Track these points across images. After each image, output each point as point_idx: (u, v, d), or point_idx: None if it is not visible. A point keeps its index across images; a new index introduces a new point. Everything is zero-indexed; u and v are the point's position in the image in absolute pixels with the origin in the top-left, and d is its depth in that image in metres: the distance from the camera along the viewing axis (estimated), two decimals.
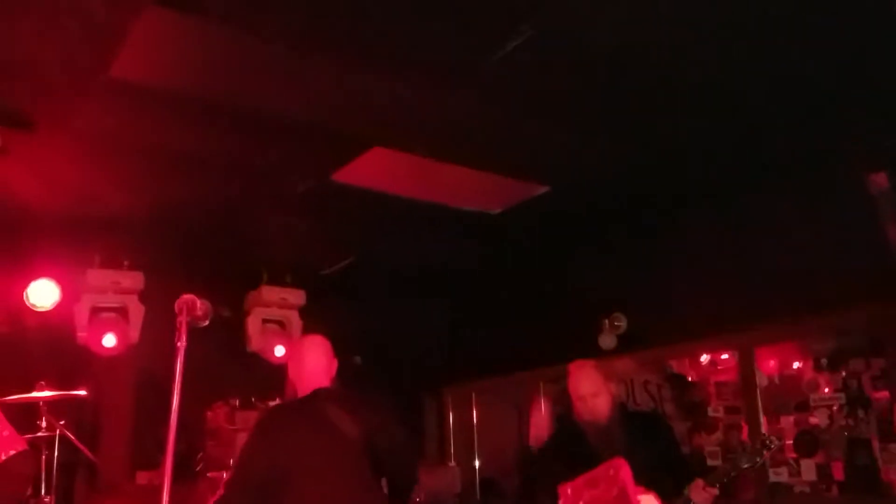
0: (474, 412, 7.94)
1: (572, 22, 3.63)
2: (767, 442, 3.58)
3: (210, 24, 3.54)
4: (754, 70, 4.07)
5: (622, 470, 1.30)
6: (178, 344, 2.91)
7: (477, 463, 7.86)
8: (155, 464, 5.86)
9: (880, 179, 4.53)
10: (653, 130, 4.77)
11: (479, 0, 3.47)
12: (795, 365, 6.07)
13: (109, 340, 6.39)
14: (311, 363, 3.78)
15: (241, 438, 5.79)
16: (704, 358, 6.66)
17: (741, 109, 4.49)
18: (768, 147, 4.87)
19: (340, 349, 4.21)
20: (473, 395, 7.96)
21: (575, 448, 3.75)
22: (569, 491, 1.47)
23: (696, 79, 4.16)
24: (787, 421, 5.90)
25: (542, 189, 5.60)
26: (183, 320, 2.96)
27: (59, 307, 6.28)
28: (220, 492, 4.33)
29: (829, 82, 4.17)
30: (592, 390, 3.83)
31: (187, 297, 3.04)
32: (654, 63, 3.99)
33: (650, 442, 3.71)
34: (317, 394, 3.69)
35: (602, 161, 5.17)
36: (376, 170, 5.21)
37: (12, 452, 3.46)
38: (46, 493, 5.10)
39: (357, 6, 3.49)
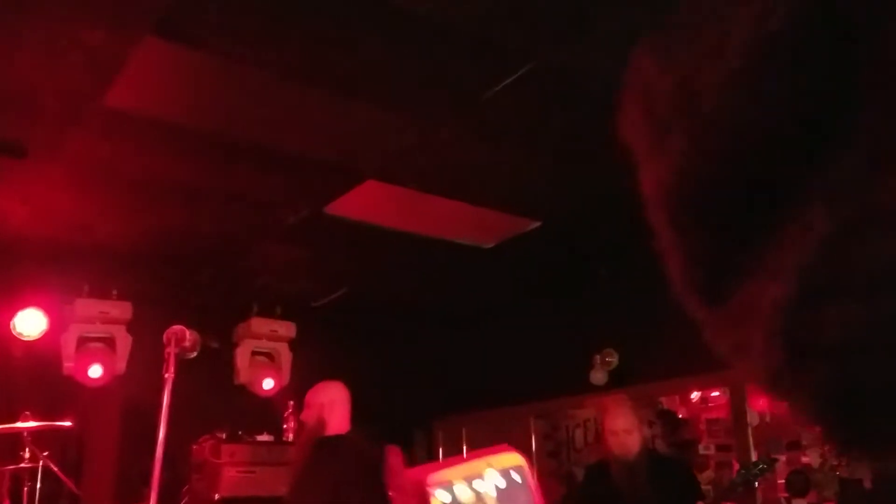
0: (464, 447, 7.87)
1: (565, 61, 3.67)
2: (769, 460, 3.65)
3: (206, 55, 3.56)
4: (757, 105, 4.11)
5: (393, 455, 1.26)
6: (166, 375, 2.89)
7: None
8: (140, 497, 5.76)
9: None
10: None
11: (474, 37, 3.50)
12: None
13: (96, 371, 6.33)
14: (346, 406, 4.05)
15: (227, 472, 5.72)
16: (695, 395, 6.63)
17: (731, 146, 4.52)
18: (762, 182, 4.90)
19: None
20: (464, 429, 7.90)
21: (600, 483, 4.00)
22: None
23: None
24: (779, 460, 5.85)
25: (535, 224, 5.61)
26: (171, 352, 2.95)
27: (45, 336, 6.23)
28: None
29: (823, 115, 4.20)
30: (626, 427, 4.01)
31: (176, 328, 3.02)
32: None
33: (672, 486, 3.84)
34: (354, 432, 4.01)
35: (594, 197, 5.19)
36: (369, 202, 5.21)
37: None
38: None
39: (352, 41, 3.51)
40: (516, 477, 1.46)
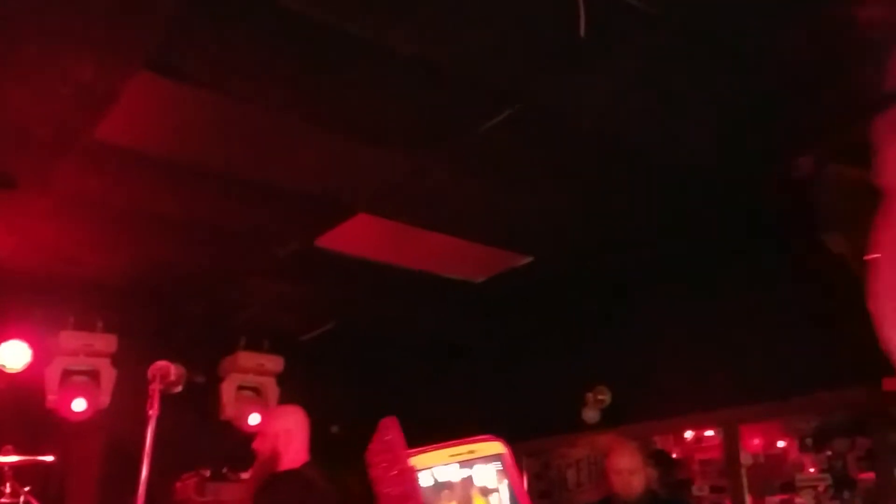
0: None
1: (555, 100, 3.68)
2: None
3: (197, 89, 3.54)
4: (742, 150, 4.12)
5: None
6: (150, 412, 2.82)
7: None
8: None
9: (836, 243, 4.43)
10: (635, 206, 4.79)
11: (464, 75, 3.50)
12: (780, 444, 5.98)
13: (80, 405, 6.23)
14: (303, 435, 3.73)
15: None
16: (689, 434, 6.57)
17: (723, 190, 4.53)
18: (751, 226, 4.90)
19: (317, 418, 4.11)
20: None
21: None
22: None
23: (676, 158, 4.20)
24: (773, 501, 5.77)
25: (526, 259, 5.59)
26: (155, 388, 2.88)
27: (29, 369, 6.13)
28: None
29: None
30: (631, 467, 4.19)
31: (161, 363, 2.96)
32: (635, 142, 4.05)
33: None
34: (310, 466, 3.68)
35: (586, 234, 5.18)
36: (359, 236, 5.18)
37: None
38: None
39: (343, 78, 3.51)
40: (497, 465, 1.48)
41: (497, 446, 1.51)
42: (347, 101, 3.70)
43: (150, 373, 2.94)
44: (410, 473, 1.36)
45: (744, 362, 5.26)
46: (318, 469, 3.79)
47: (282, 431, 3.73)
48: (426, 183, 4.50)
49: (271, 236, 5.20)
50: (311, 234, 5.14)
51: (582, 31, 2.93)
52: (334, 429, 7.30)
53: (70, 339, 6.26)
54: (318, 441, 4.01)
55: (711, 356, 5.45)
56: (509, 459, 1.49)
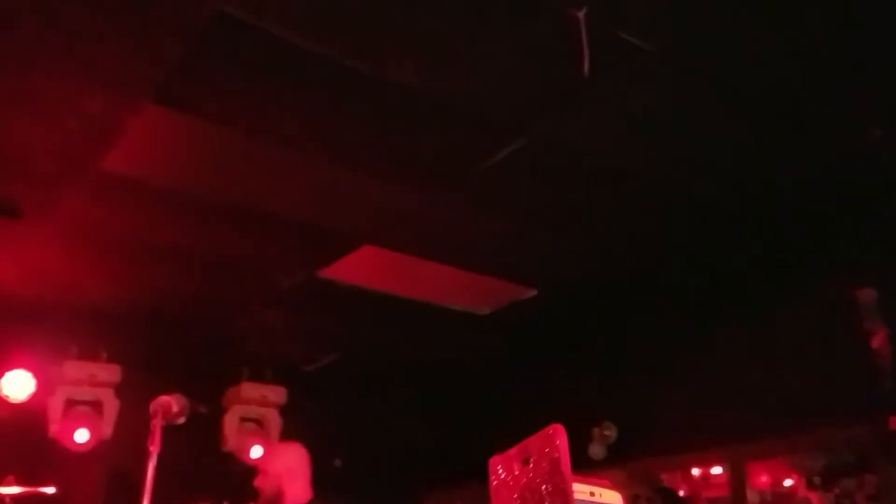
0: None
1: (561, 135, 3.70)
2: None
3: (203, 122, 3.57)
4: (743, 184, 4.13)
5: (558, 437, 1.16)
6: (151, 448, 2.79)
7: None
8: None
9: (866, 295, 4.52)
10: (640, 240, 4.79)
11: (470, 110, 3.53)
12: (788, 482, 5.91)
13: (82, 435, 6.20)
14: (306, 473, 3.71)
15: None
16: (696, 472, 6.49)
17: (731, 225, 4.53)
18: (757, 263, 4.89)
19: (321, 451, 4.08)
20: (457, 502, 7.70)
21: None
22: (499, 468, 1.31)
23: (684, 191, 4.21)
24: None
25: (531, 292, 5.58)
26: (157, 424, 2.85)
27: (32, 398, 6.11)
28: None
29: (815, 198, 4.23)
30: None
31: (163, 399, 2.94)
32: (642, 176, 4.06)
33: None
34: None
35: (591, 267, 5.17)
36: (364, 266, 5.18)
37: None
38: None
39: (349, 111, 3.53)
40: None
41: (616, 496, 1.48)
42: (353, 135, 3.72)
43: (151, 408, 2.92)
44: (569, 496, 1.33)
45: (750, 399, 5.22)
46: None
47: (285, 470, 3.70)
48: (431, 215, 4.51)
49: (275, 267, 5.21)
50: (314, 266, 5.14)
51: (586, 69, 2.95)
52: (337, 462, 7.24)
53: (73, 369, 6.25)
54: (321, 474, 3.97)
55: (718, 392, 5.41)
56: None
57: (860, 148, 3.75)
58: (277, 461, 3.76)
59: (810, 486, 5.70)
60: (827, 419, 4.80)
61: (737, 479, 5.53)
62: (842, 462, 5.47)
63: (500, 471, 1.49)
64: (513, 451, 1.47)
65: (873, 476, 5.33)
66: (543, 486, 1.34)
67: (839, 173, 3.99)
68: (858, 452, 5.32)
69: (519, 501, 1.40)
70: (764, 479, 5.91)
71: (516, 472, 1.45)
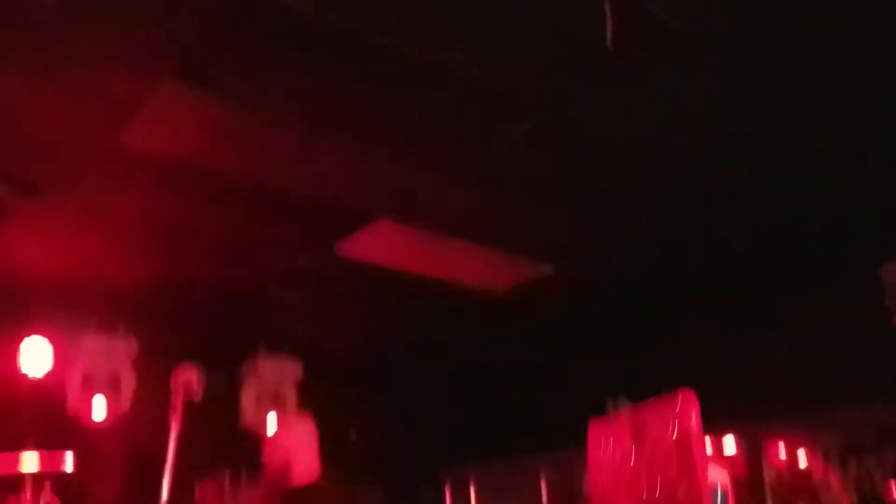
0: (472, 496, 7.71)
1: (582, 113, 3.66)
2: None
3: (221, 99, 3.54)
4: (763, 165, 4.08)
5: (690, 405, 1.05)
6: (173, 422, 2.81)
7: None
8: None
9: (889, 273, 4.48)
10: (661, 219, 4.75)
11: (490, 86, 3.48)
12: (804, 459, 5.90)
13: (100, 409, 6.24)
14: (314, 447, 3.69)
15: None
16: (709, 451, 6.49)
17: (751, 205, 4.48)
18: (779, 244, 4.84)
19: (335, 425, 4.08)
20: (472, 479, 7.74)
21: None
22: (605, 438, 1.20)
23: (703, 171, 4.17)
24: None
25: (547, 270, 5.55)
26: (179, 398, 2.86)
27: (51, 373, 6.15)
28: None
29: (832, 177, 4.18)
30: None
31: (184, 373, 2.95)
32: (662, 155, 4.02)
33: None
34: (325, 479, 3.60)
35: (607, 246, 5.15)
36: (380, 244, 5.16)
37: None
38: None
39: (366, 88, 3.50)
40: (719, 496, 1.36)
41: (723, 474, 1.40)
42: (372, 112, 3.69)
43: (173, 383, 2.93)
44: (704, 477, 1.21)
45: (769, 377, 5.20)
46: (333, 484, 3.76)
47: (292, 445, 3.69)
48: (448, 192, 4.49)
49: (292, 245, 5.20)
50: (331, 243, 5.13)
51: (609, 42, 2.90)
52: (352, 436, 7.28)
53: (92, 344, 6.28)
54: (336, 448, 3.98)
55: (736, 370, 5.39)
56: (731, 489, 1.39)
57: (887, 121, 3.69)
58: (285, 435, 3.74)
59: (827, 463, 5.69)
60: (846, 398, 4.78)
61: (754, 457, 5.52)
62: (861, 440, 5.45)
63: (607, 443, 1.38)
64: (623, 418, 1.36)
65: (892, 454, 5.32)
66: (667, 466, 1.22)
67: (864, 151, 3.94)
68: (878, 431, 5.31)
69: (632, 478, 1.30)
70: (781, 457, 5.90)
71: (629, 446, 1.34)
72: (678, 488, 1.08)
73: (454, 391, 7.70)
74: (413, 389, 7.48)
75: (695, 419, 1.04)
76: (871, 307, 4.55)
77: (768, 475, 5.48)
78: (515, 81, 3.46)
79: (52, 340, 6.14)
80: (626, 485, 1.13)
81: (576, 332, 6.51)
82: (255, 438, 6.80)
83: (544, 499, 7.03)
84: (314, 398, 6.92)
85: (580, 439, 6.46)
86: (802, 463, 5.90)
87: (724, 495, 1.18)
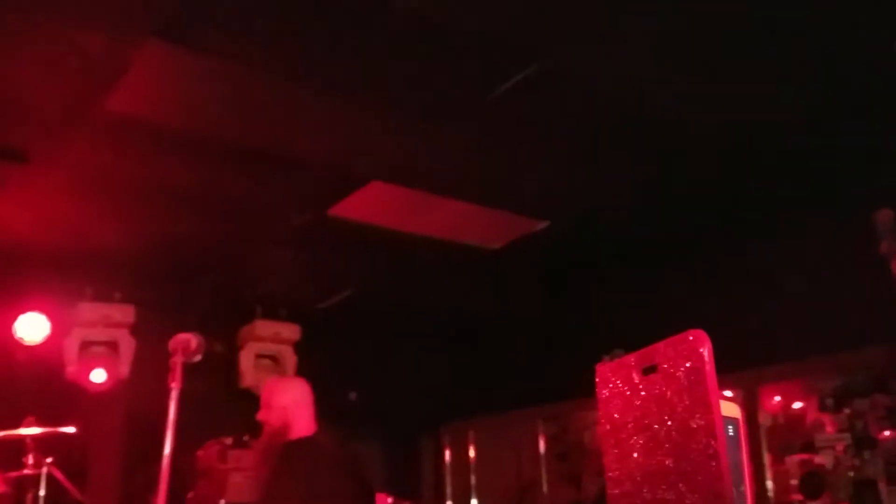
0: (471, 451, 7.80)
1: (572, 61, 3.61)
2: None
3: (208, 59, 3.50)
4: (754, 110, 4.05)
5: (701, 344, 1.03)
6: (173, 385, 2.82)
7: (474, 503, 7.71)
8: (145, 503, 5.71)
9: (884, 216, 4.45)
10: (652, 169, 4.73)
11: (478, 38, 3.44)
12: (799, 404, 5.97)
13: (99, 376, 6.27)
14: (310, 405, 3.72)
15: (234, 478, 5.65)
16: None
17: (741, 151, 4.46)
18: (773, 189, 4.84)
19: (335, 385, 4.12)
20: (471, 433, 7.83)
21: None
22: (613, 378, 1.16)
23: (694, 123, 4.14)
24: (792, 461, 5.78)
25: (542, 224, 5.55)
26: (178, 361, 2.87)
27: (48, 341, 6.16)
28: None
29: (828, 121, 4.15)
30: None
31: (182, 336, 2.95)
32: (652, 104, 3.99)
33: None
34: (322, 433, 3.67)
35: (602, 197, 5.13)
36: (374, 204, 5.15)
37: None
38: None
39: (356, 44, 3.45)
40: (730, 428, 1.31)
41: (735, 409, 1.35)
42: (361, 68, 3.65)
43: (171, 346, 2.93)
44: (717, 405, 1.17)
45: (764, 323, 5.23)
46: (330, 435, 3.80)
47: (291, 404, 3.74)
48: (440, 148, 4.46)
49: (285, 206, 5.18)
50: (325, 203, 5.12)
51: None
52: (352, 395, 7.34)
53: (88, 310, 6.28)
54: (336, 408, 4.01)
55: (731, 317, 5.42)
56: (741, 425, 1.34)
57: (880, 64, 3.67)
58: (282, 395, 3.78)
59: (822, 408, 5.76)
60: (842, 342, 4.82)
61: (749, 403, 5.58)
62: (855, 383, 5.52)
63: (616, 381, 1.34)
64: (630, 359, 1.32)
65: (885, 397, 5.38)
66: (678, 398, 1.19)
67: (855, 92, 3.92)
68: (872, 375, 5.37)
69: (641, 411, 1.26)
70: (776, 402, 5.97)
71: (636, 382, 1.30)
72: (691, 417, 1.07)
73: (452, 348, 7.74)
74: (411, 348, 7.52)
75: (707, 354, 1.03)
76: (864, 252, 4.56)
77: (763, 420, 5.56)
78: (511, 31, 3.41)
79: (48, 310, 6.15)
80: (635, 418, 1.13)
81: (571, 285, 6.53)
82: (255, 400, 6.87)
83: (542, 451, 7.12)
84: (312, 359, 6.97)
85: (578, 392, 6.53)
86: (797, 407, 5.98)
87: (735, 428, 1.18)
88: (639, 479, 1.21)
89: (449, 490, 7.82)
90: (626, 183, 4.92)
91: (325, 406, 4.07)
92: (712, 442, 1.11)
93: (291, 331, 7.13)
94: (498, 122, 4.16)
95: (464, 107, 4.01)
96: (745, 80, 3.78)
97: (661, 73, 3.69)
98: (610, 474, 1.25)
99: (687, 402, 1.15)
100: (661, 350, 1.22)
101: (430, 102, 3.98)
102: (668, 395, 1.18)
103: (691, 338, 1.17)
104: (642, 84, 3.80)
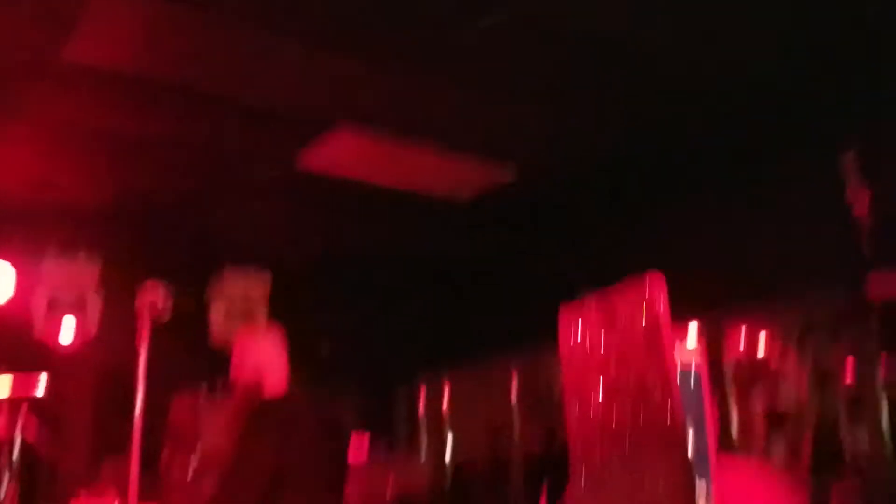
0: (445, 401, 7.88)
1: (544, 4, 3.57)
2: None
3: (166, 4, 3.41)
4: (723, 49, 4.05)
5: (656, 287, 1.03)
6: (141, 342, 2.80)
7: (448, 453, 7.80)
8: (119, 460, 5.72)
9: (849, 158, 4.51)
10: (624, 116, 4.73)
11: None
12: (763, 345, 6.08)
13: (67, 333, 6.22)
14: (283, 359, 3.68)
15: (207, 432, 5.67)
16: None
17: (710, 98, 4.47)
18: (738, 132, 4.86)
19: (306, 340, 4.08)
20: (446, 384, 7.89)
21: None
22: (575, 327, 1.18)
23: (665, 65, 4.13)
24: (757, 403, 5.90)
25: (512, 174, 5.54)
26: (145, 318, 2.84)
27: (14, 300, 6.08)
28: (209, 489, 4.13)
29: (796, 65, 4.17)
30: None
31: (148, 294, 2.92)
32: (625, 50, 3.96)
33: None
34: (296, 391, 3.61)
35: (572, 145, 5.13)
36: (343, 156, 5.11)
37: None
38: (6, 493, 4.94)
39: None
40: (691, 381, 1.33)
41: (697, 356, 1.36)
42: (326, 14, 3.58)
43: (137, 304, 2.90)
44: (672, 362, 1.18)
45: (731, 264, 5.30)
46: (305, 393, 3.76)
47: (264, 361, 3.67)
48: (408, 92, 4.41)
49: (253, 157, 5.12)
50: (292, 153, 5.06)
51: None
52: (323, 350, 7.35)
53: (53, 268, 6.21)
54: (307, 362, 3.99)
55: (694, 262, 5.48)
56: (705, 374, 1.35)
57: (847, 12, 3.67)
58: (254, 352, 3.71)
59: (785, 346, 5.87)
60: (806, 282, 4.90)
61: (714, 342, 5.66)
62: (817, 322, 5.62)
63: (578, 332, 1.34)
64: (593, 303, 1.32)
65: (846, 340, 5.49)
66: (635, 354, 1.21)
67: (825, 32, 3.93)
68: (835, 312, 5.47)
69: (601, 370, 1.29)
70: (740, 343, 6.07)
71: (597, 334, 1.32)
72: (647, 374, 1.08)
73: (425, 298, 7.77)
74: (384, 299, 7.54)
75: (662, 303, 1.04)
76: (834, 192, 4.63)
77: (727, 364, 5.65)
78: None
79: (13, 265, 6.05)
80: (597, 371, 1.14)
81: (540, 236, 6.56)
82: (225, 354, 6.85)
83: (513, 396, 7.20)
84: (283, 311, 6.95)
85: (550, 339, 6.61)
86: (761, 350, 6.09)
87: (697, 376, 1.19)
88: (599, 435, 1.24)
89: (424, 439, 7.91)
90: (594, 126, 4.91)
91: (297, 358, 4.06)
92: (668, 399, 1.14)
93: (261, 285, 7.10)
94: (467, 68, 4.13)
95: (434, 51, 3.96)
96: (716, 18, 3.76)
97: (631, 13, 3.65)
98: (571, 430, 1.28)
99: (644, 357, 1.18)
100: (620, 295, 1.24)
101: (399, 46, 3.91)
102: (627, 348, 1.21)
103: (648, 282, 1.19)
104: (612, 24, 3.76)
